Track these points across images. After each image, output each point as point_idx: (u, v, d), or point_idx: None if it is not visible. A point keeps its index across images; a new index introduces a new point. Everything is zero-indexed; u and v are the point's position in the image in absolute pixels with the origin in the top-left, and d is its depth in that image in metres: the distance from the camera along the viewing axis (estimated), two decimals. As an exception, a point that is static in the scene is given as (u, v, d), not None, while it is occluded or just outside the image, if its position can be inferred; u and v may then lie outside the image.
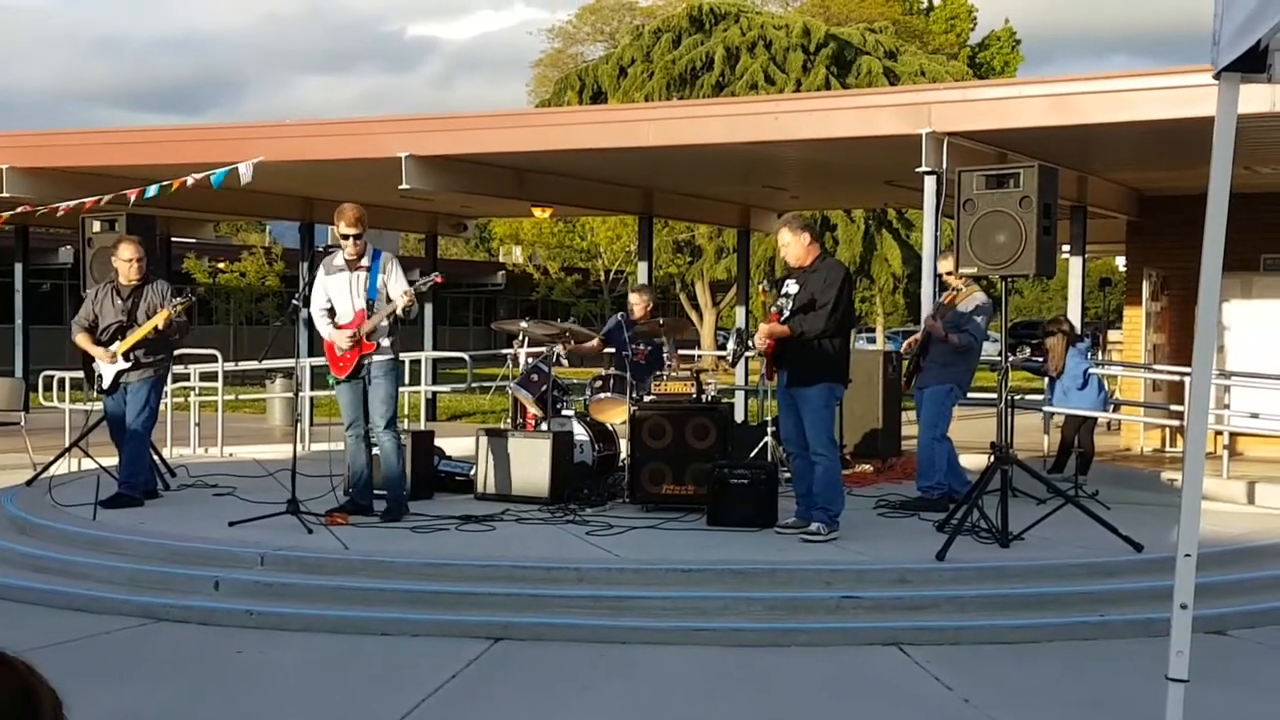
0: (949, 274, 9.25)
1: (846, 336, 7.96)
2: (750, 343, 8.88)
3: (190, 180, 11.32)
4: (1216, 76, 3.36)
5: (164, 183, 11.14)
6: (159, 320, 8.70)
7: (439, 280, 8.55)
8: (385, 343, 8.28)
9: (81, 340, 8.90)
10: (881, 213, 28.39)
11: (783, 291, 7.89)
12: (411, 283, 8.23)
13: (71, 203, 10.91)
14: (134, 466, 8.97)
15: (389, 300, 8.17)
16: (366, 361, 8.25)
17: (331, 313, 8.33)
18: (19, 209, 12.13)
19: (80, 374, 9.41)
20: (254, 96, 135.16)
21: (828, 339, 7.67)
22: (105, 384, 8.93)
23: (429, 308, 19.00)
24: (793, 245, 7.86)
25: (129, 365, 8.83)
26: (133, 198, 10.89)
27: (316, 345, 16.75)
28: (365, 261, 8.24)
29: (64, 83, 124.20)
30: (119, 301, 8.87)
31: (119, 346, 8.78)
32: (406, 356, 14.88)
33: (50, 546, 7.81)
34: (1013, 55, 45.24)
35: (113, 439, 9.10)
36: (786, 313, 7.74)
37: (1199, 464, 3.39)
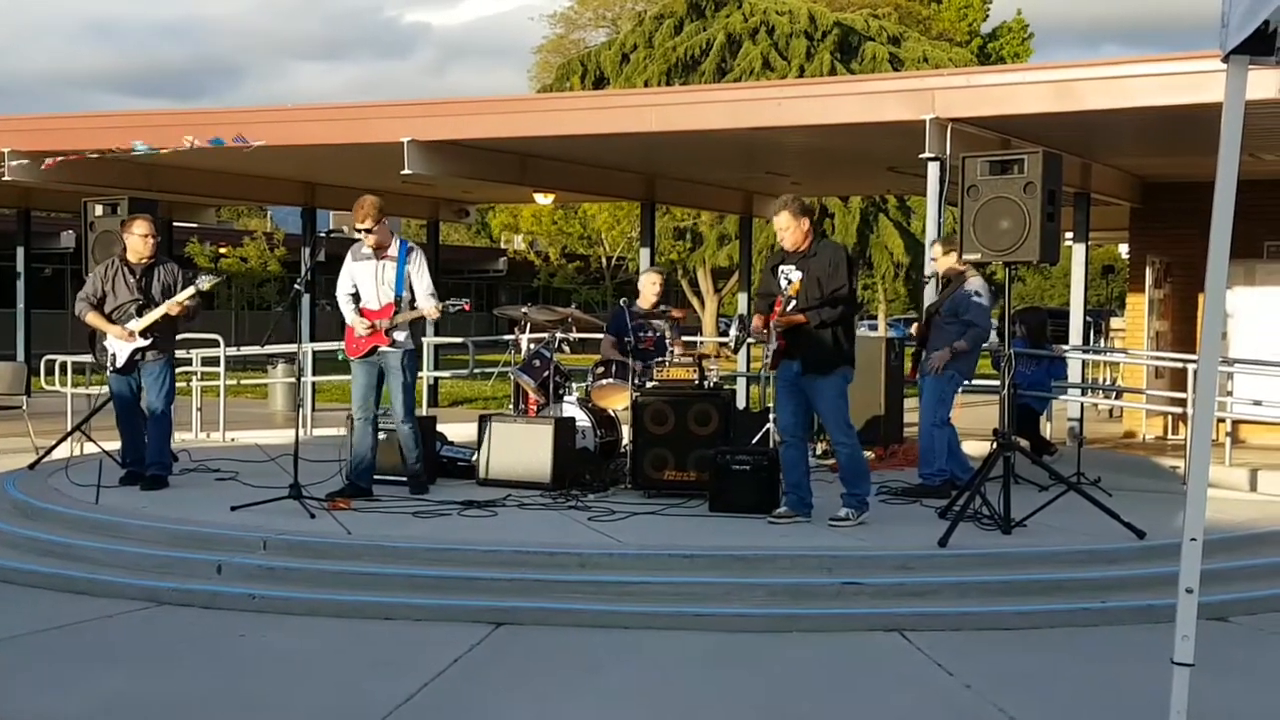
0: (934, 260, 9.33)
1: (851, 321, 7.91)
2: (751, 329, 8.78)
3: (190, 142, 11.31)
4: (1225, 59, 3.34)
5: (158, 149, 11.09)
6: (184, 297, 8.58)
7: (466, 309, 8.66)
8: (401, 337, 8.40)
9: (93, 318, 8.67)
10: (880, 200, 28.36)
11: (783, 277, 7.78)
12: (443, 300, 8.46)
13: (69, 151, 10.91)
14: (163, 446, 8.92)
15: (413, 292, 8.34)
16: (381, 350, 8.37)
17: (356, 298, 8.47)
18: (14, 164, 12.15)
19: (84, 357, 9.08)
20: (249, 83, 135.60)
21: (839, 325, 7.63)
22: (119, 362, 8.70)
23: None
24: (793, 230, 7.76)
25: (147, 344, 8.65)
26: (117, 149, 10.76)
27: (318, 331, 16.80)
28: (392, 251, 8.36)
29: (60, 67, 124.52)
30: (131, 279, 8.67)
31: (138, 324, 8.59)
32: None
33: (53, 530, 7.80)
34: (1023, 47, 45.21)
35: (118, 422, 8.98)
36: (793, 300, 7.61)
37: (1205, 450, 3.39)
